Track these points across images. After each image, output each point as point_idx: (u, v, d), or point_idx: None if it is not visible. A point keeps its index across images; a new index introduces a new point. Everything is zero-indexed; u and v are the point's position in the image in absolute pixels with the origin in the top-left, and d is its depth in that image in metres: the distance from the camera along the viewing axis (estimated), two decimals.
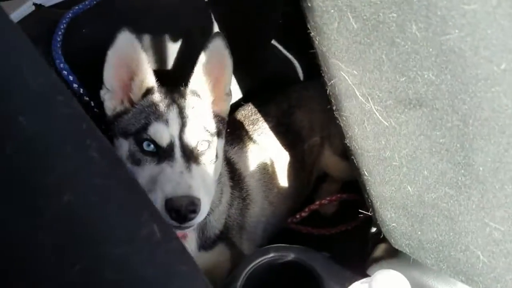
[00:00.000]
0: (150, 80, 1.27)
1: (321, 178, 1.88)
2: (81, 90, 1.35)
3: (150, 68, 1.27)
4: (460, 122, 0.79)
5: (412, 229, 1.01)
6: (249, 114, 1.68)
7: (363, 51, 0.85)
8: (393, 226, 1.04)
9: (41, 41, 1.37)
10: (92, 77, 1.34)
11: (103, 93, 1.27)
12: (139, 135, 1.19)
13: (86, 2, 1.50)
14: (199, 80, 1.31)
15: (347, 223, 1.68)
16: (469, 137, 0.80)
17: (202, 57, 1.28)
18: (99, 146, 0.53)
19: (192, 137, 1.21)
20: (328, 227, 1.71)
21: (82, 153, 0.52)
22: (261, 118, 1.68)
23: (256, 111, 1.68)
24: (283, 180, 1.65)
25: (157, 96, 1.26)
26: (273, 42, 1.86)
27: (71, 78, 1.34)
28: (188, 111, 1.24)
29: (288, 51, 1.89)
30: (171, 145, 1.18)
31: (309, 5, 0.85)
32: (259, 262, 1.24)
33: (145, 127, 1.19)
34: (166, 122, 1.20)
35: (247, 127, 1.63)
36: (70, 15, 1.45)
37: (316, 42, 0.91)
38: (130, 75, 1.27)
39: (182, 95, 1.28)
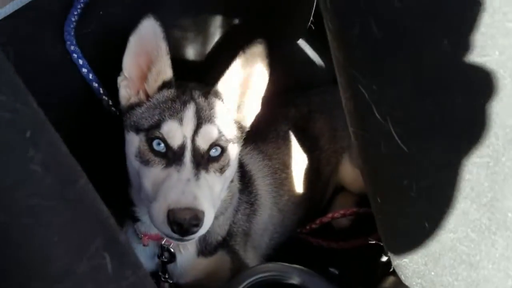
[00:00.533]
0: (167, 72, 1.18)
1: (337, 189, 1.77)
2: (91, 76, 1.28)
3: (169, 60, 1.17)
4: (491, 159, 0.68)
5: (425, 268, 0.90)
6: (265, 114, 1.58)
7: (385, 63, 0.74)
8: (404, 261, 0.93)
9: (53, 20, 1.30)
10: (103, 63, 1.27)
11: (120, 79, 1.20)
12: (151, 132, 1.11)
13: None
14: (228, 83, 1.22)
15: (360, 239, 1.57)
16: (500, 177, 0.68)
17: (238, 62, 1.20)
18: (44, 159, 0.44)
19: (205, 140, 1.13)
20: (341, 240, 1.60)
21: (20, 167, 0.44)
22: (277, 120, 1.58)
23: (273, 112, 1.58)
24: (294, 188, 1.55)
25: (174, 91, 1.17)
26: (301, 41, 1.74)
27: (80, 62, 1.27)
28: (206, 112, 1.15)
29: (316, 52, 1.77)
30: (182, 147, 1.10)
31: (328, 6, 0.75)
32: (258, 278, 1.16)
33: (158, 124, 1.11)
34: (180, 120, 1.12)
35: (261, 128, 1.53)
36: None
37: (334, 47, 0.80)
38: (149, 64, 1.19)
39: (204, 94, 1.19)
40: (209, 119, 1.15)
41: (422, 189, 0.81)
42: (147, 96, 1.19)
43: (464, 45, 0.64)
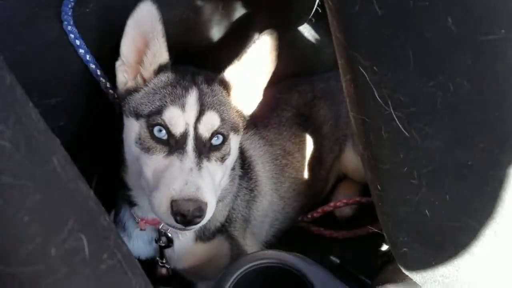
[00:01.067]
0: (163, 55, 1.15)
1: (340, 178, 1.74)
2: (88, 57, 1.25)
3: (165, 42, 1.14)
4: (495, 145, 0.64)
5: (425, 258, 0.87)
6: (267, 99, 1.55)
7: (387, 43, 0.71)
8: (404, 250, 0.90)
9: (51, 0, 1.27)
10: (103, 44, 1.24)
11: (118, 64, 1.17)
12: (152, 118, 1.09)
13: None
14: (236, 72, 1.20)
15: (361, 228, 1.55)
16: (504, 164, 0.64)
17: (249, 52, 1.17)
18: (14, 135, 0.42)
19: (208, 128, 1.11)
20: (343, 229, 1.58)
21: None
22: (280, 105, 1.55)
23: (276, 97, 1.55)
24: (296, 175, 1.53)
25: (172, 76, 1.15)
26: (306, 25, 1.70)
27: (78, 42, 1.24)
28: (209, 99, 1.13)
29: (322, 37, 1.73)
30: (184, 135, 1.08)
31: None
32: (256, 265, 1.14)
33: (159, 110, 1.09)
34: (183, 107, 1.09)
35: (263, 113, 1.50)
36: None
37: (334, 27, 0.77)
38: (145, 48, 1.16)
39: (207, 81, 1.17)
40: (212, 106, 1.13)
41: (423, 176, 0.78)
42: (144, 81, 1.16)
43: (470, 24, 0.60)
